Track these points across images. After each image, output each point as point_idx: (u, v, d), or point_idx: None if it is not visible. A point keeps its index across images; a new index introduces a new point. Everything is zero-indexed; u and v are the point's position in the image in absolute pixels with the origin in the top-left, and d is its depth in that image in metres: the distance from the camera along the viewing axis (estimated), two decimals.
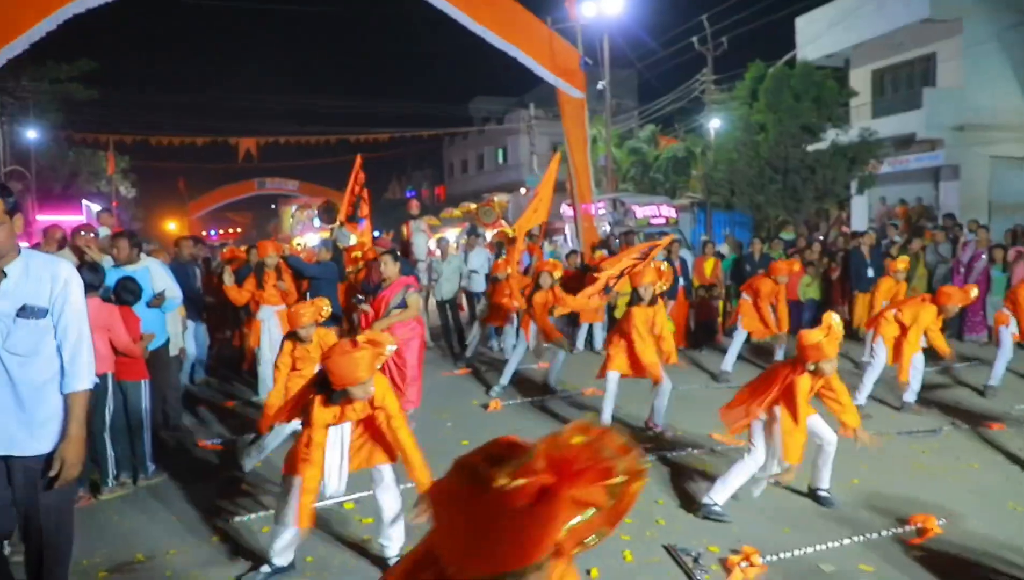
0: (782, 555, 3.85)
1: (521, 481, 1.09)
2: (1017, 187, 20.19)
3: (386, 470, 3.87)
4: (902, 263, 8.64)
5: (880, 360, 6.77)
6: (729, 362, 8.62)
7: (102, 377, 5.08)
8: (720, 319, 11.45)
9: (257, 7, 49.90)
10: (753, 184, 18.26)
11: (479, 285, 11.21)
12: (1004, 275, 9.96)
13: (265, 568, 3.82)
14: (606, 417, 6.13)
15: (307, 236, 31.02)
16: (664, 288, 6.31)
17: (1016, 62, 19.61)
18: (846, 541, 4.01)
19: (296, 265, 7.53)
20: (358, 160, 12.79)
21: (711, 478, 5.03)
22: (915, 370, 6.85)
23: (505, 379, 7.90)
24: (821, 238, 13.20)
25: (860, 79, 21.98)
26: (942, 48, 20.05)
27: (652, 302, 5.94)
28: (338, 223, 12.15)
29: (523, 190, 32.35)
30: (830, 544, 3.97)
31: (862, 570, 3.70)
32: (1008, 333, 7.50)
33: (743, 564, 3.68)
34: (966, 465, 5.35)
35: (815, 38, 21.64)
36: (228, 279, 7.60)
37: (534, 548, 1.11)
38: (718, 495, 4.43)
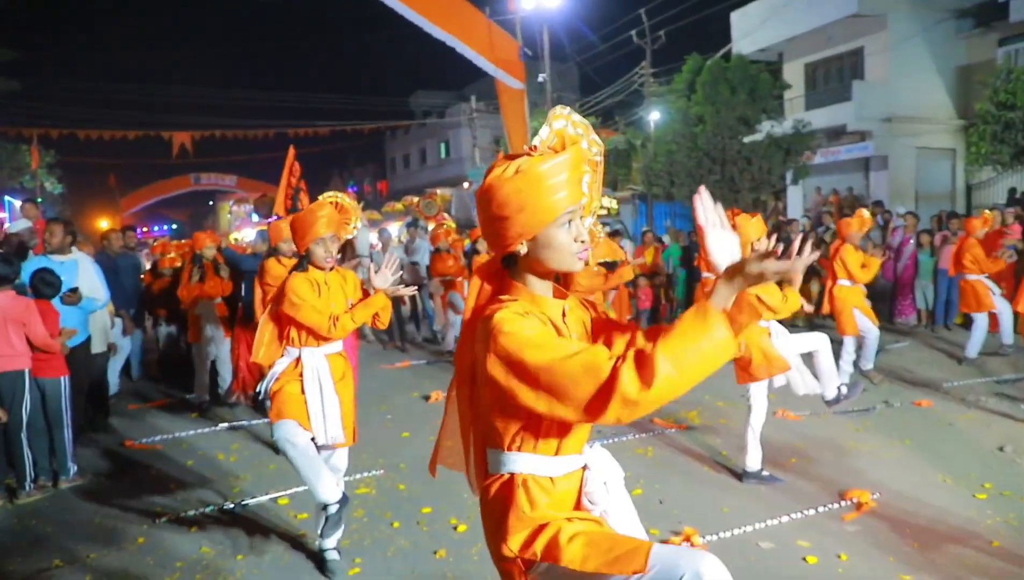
0: (721, 534, 3.86)
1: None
2: (942, 177, 21.03)
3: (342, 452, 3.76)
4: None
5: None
6: None
7: (18, 373, 4.82)
8: (665, 304, 11.59)
9: None
10: (692, 175, 18.51)
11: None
12: (931, 259, 10.29)
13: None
14: None
15: (244, 231, 30.29)
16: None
17: (939, 57, 20.33)
18: (784, 518, 4.04)
19: (232, 257, 7.29)
20: (291, 152, 12.45)
21: (653, 462, 5.04)
22: (870, 336, 7.10)
23: None
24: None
25: (793, 72, 22.53)
26: (869, 42, 20.67)
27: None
28: (275, 217, 11.81)
29: (466, 184, 32.19)
30: (769, 522, 3.99)
31: (800, 546, 3.74)
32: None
33: (684, 545, 3.67)
34: (899, 442, 5.49)
35: (750, 32, 22.08)
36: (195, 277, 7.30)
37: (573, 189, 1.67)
38: (753, 461, 4.49)
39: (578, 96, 32.00)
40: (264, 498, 4.65)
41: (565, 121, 1.75)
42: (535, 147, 1.70)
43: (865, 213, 7.35)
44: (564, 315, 1.75)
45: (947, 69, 20.56)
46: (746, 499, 4.41)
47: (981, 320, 8.13)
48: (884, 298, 10.86)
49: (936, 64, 20.44)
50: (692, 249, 11.76)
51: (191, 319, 7.27)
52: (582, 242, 1.67)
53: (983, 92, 12.51)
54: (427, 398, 7.19)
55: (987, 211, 8.74)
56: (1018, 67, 11.92)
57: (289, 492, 4.69)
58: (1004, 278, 9.71)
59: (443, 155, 44.16)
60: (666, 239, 13.20)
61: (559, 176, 1.61)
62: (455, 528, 4.10)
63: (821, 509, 4.17)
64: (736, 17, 23.16)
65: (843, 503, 4.25)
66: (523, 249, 1.66)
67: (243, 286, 7.23)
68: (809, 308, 6.45)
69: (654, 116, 22.96)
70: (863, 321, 7.15)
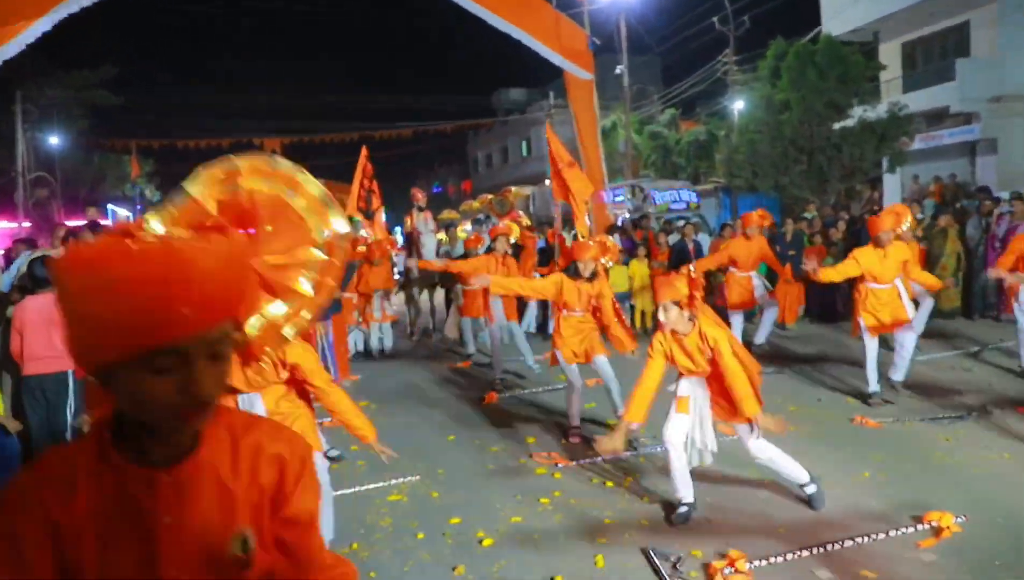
0: (773, 560, 3.43)
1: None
2: None
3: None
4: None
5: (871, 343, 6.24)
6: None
7: (62, 375, 4.86)
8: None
9: (277, 7, 50.10)
10: (776, 165, 17.60)
11: None
12: None
13: None
14: (571, 411, 5.67)
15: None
16: (610, 263, 5.96)
17: None
18: (848, 543, 3.57)
19: None
20: (364, 152, 12.54)
21: (704, 476, 4.62)
22: (904, 350, 6.26)
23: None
24: (846, 217, 12.53)
25: (890, 53, 21.16)
26: (975, 17, 19.16)
27: (592, 277, 5.48)
28: (348, 216, 11.90)
29: (547, 181, 31.90)
30: (829, 547, 3.53)
31: (864, 576, 3.27)
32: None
33: (727, 570, 3.28)
34: (996, 455, 4.85)
35: (840, 12, 20.85)
36: None
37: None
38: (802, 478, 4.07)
39: (661, 88, 31.21)
40: None
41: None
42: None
43: (900, 208, 6.59)
44: None
45: None
46: (804, 518, 3.95)
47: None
48: (987, 293, 9.92)
49: None
50: (774, 241, 11.05)
51: None
52: None
53: None
54: (481, 399, 6.96)
55: None
56: None
57: None
58: None
59: (525, 153, 44.03)
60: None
61: None
62: (480, 542, 3.84)
63: (893, 533, 3.67)
64: None
65: (920, 527, 3.72)
66: None
67: None
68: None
69: (738, 105, 22.06)
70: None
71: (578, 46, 12.72)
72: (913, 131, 18.06)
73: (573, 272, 5.47)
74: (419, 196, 11.04)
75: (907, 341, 6.19)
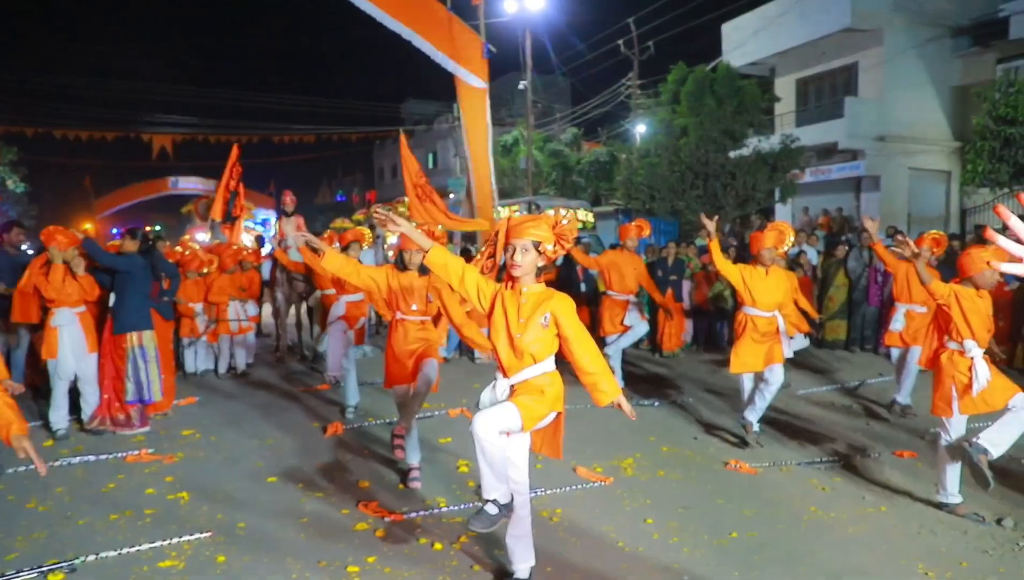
0: None
1: None
2: (935, 200, 20.12)
3: None
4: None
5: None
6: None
7: None
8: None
9: None
10: (674, 189, 17.53)
11: None
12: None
13: None
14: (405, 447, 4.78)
15: (198, 235, 29.15)
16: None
17: (935, 76, 19.48)
18: None
19: (92, 251, 6.12)
20: (234, 152, 11.49)
21: (556, 529, 3.97)
22: (768, 388, 5.67)
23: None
24: (734, 244, 12.41)
25: (785, 88, 21.69)
26: (863, 58, 19.82)
27: (423, 271, 4.55)
28: (209, 221, 10.89)
29: (452, 195, 31.28)
30: None
31: None
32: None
33: None
34: (873, 508, 4.43)
35: (740, 44, 21.23)
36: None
37: None
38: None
39: (566, 107, 31.14)
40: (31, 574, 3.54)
41: None
42: None
43: (783, 225, 6.21)
44: None
45: (943, 88, 19.69)
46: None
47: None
48: (869, 325, 9.85)
49: (932, 82, 19.58)
50: (655, 266, 10.72)
51: (47, 332, 6.15)
52: None
53: (981, 107, 11.55)
54: (324, 430, 6.09)
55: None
56: (1019, 79, 10.95)
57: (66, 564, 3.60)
58: (1003, 309, 8.73)
59: (431, 165, 43.32)
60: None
61: None
62: None
63: None
64: (727, 29, 22.33)
65: None
66: None
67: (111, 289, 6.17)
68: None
69: (639, 128, 22.07)
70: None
71: (472, 52, 12.10)
72: (804, 164, 18.41)
73: (400, 263, 4.66)
74: (287, 200, 10.10)
75: (774, 379, 5.56)
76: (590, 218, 17.61)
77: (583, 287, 10.18)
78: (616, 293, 7.66)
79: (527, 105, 21.35)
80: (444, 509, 4.28)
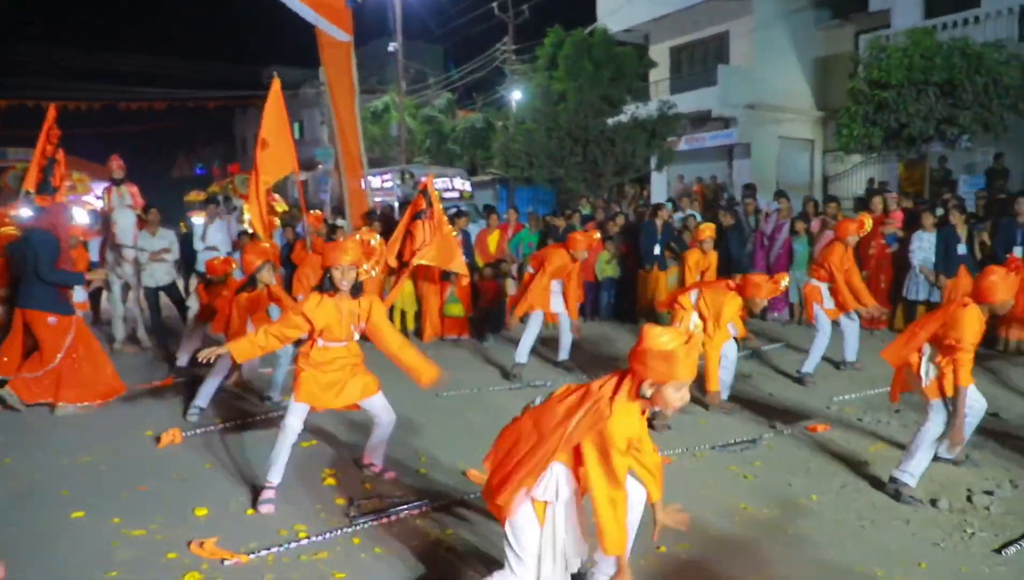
0: None
1: None
2: (801, 168, 20.76)
3: None
4: (708, 231, 7.49)
5: None
6: (523, 353, 6.98)
7: None
8: (505, 297, 9.86)
9: None
10: (553, 156, 17.01)
11: None
12: (808, 248, 9.15)
13: None
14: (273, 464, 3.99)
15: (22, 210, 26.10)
16: (374, 270, 4.49)
17: (800, 47, 19.94)
18: None
19: None
20: (51, 113, 9.75)
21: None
22: (726, 360, 5.56)
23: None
24: (621, 213, 12.02)
25: (659, 55, 21.64)
26: (734, 26, 20.00)
27: (357, 292, 3.86)
28: (23, 193, 9.31)
29: (320, 166, 29.50)
30: None
31: None
32: (822, 311, 6.47)
33: None
34: (804, 498, 3.94)
35: (615, 10, 20.89)
36: None
37: None
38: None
39: (439, 73, 29.99)
40: None
41: None
42: None
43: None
44: None
45: (807, 59, 20.22)
46: None
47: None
48: None
49: (797, 53, 20.06)
50: (549, 235, 10.14)
51: None
52: None
53: (855, 72, 11.64)
54: (158, 439, 4.99)
55: (864, 213, 7.53)
56: (890, 45, 11.05)
57: None
58: (883, 270, 8.73)
59: (297, 135, 40.96)
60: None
61: None
62: None
63: None
64: None
65: None
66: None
67: None
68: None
69: (515, 95, 21.42)
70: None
71: (334, 2, 10.90)
72: (680, 132, 18.40)
73: (328, 285, 3.84)
74: (115, 166, 8.67)
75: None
76: (467, 188, 16.80)
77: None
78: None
79: (399, 69, 20.16)
80: (304, 542, 3.40)
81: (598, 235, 8.49)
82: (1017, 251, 7.07)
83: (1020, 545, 3.31)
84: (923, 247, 8.15)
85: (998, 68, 10.39)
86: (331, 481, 4.16)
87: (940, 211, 8.48)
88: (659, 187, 21.22)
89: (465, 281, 8.48)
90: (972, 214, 8.62)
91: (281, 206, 14.52)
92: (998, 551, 3.29)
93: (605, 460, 2.42)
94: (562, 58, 17.33)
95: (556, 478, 2.54)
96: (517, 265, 10.24)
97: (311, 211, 11.27)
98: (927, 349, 3.95)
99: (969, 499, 3.88)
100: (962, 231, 7.92)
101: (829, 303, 6.51)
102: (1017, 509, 3.74)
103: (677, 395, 2.44)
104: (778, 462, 4.48)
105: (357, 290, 3.85)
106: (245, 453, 4.69)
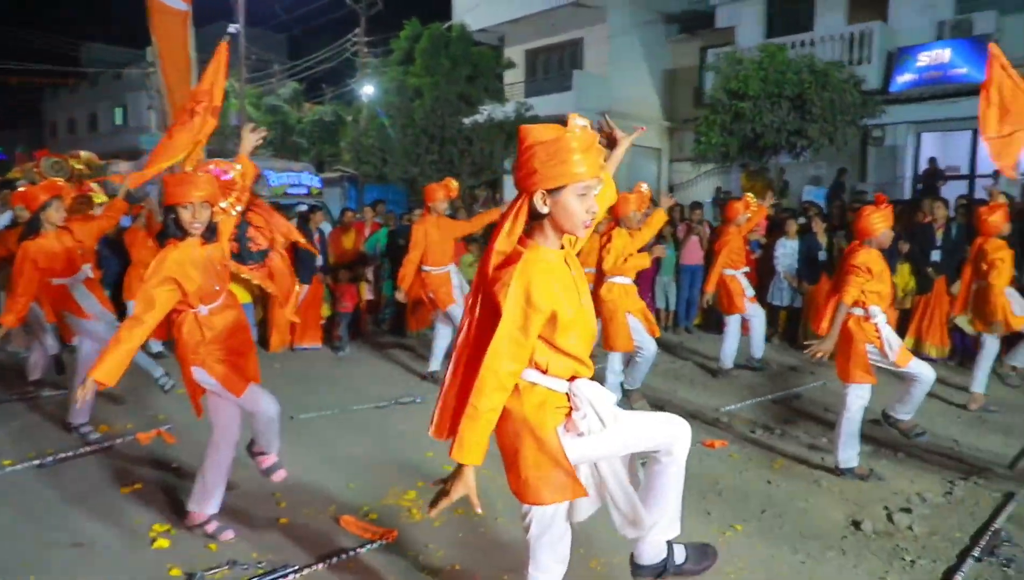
0: None
1: None
2: (649, 176, 21.32)
3: None
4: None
5: None
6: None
7: None
8: (368, 301, 9.05)
9: None
10: (408, 154, 16.25)
11: None
12: (674, 253, 9.06)
13: None
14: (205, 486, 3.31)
15: None
16: (237, 208, 3.67)
17: (650, 58, 20.47)
18: None
19: None
20: None
21: None
22: (648, 353, 5.49)
23: None
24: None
25: (514, 58, 21.46)
26: (589, 33, 20.21)
27: (212, 233, 3.16)
28: None
29: (146, 156, 26.79)
30: None
31: None
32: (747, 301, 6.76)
33: None
34: (731, 532, 3.53)
35: (471, 9, 20.48)
36: None
37: None
38: None
39: (284, 62, 28.19)
40: None
41: None
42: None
43: (644, 187, 5.54)
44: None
45: (657, 70, 20.81)
46: None
47: (733, 324, 6.87)
48: None
49: (648, 64, 20.59)
50: (401, 233, 9.44)
51: None
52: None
53: (700, 84, 11.89)
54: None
55: (749, 194, 7.49)
56: (746, 57, 11.36)
57: None
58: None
59: (120, 121, 37.24)
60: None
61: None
62: None
63: None
64: None
65: None
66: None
67: None
68: None
69: (367, 89, 20.40)
70: (640, 333, 5.36)
71: None
72: None
73: (174, 229, 3.01)
74: None
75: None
76: (316, 184, 15.63)
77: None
78: (433, 267, 6.23)
79: (240, 52, 18.55)
80: None
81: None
82: (935, 254, 7.18)
83: (962, 572, 3.05)
84: (787, 254, 8.28)
85: (841, 85, 10.92)
86: (162, 543, 3.24)
87: (802, 219, 8.66)
88: (511, 190, 21.04)
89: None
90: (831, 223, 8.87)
91: (99, 197, 12.73)
92: None
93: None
94: (419, 52, 16.63)
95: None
96: (374, 267, 9.47)
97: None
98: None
99: (890, 518, 3.64)
100: (823, 239, 8.10)
101: (750, 291, 6.76)
102: (939, 528, 3.54)
103: (581, 204, 1.93)
104: (688, 484, 4.07)
105: (212, 233, 3.11)
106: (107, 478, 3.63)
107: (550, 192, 1.91)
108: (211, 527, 3.25)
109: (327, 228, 9.96)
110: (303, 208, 10.37)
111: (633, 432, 2.13)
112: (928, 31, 13.64)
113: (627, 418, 2.11)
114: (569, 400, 2.01)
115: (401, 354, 7.71)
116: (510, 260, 1.93)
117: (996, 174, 9.58)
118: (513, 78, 20.92)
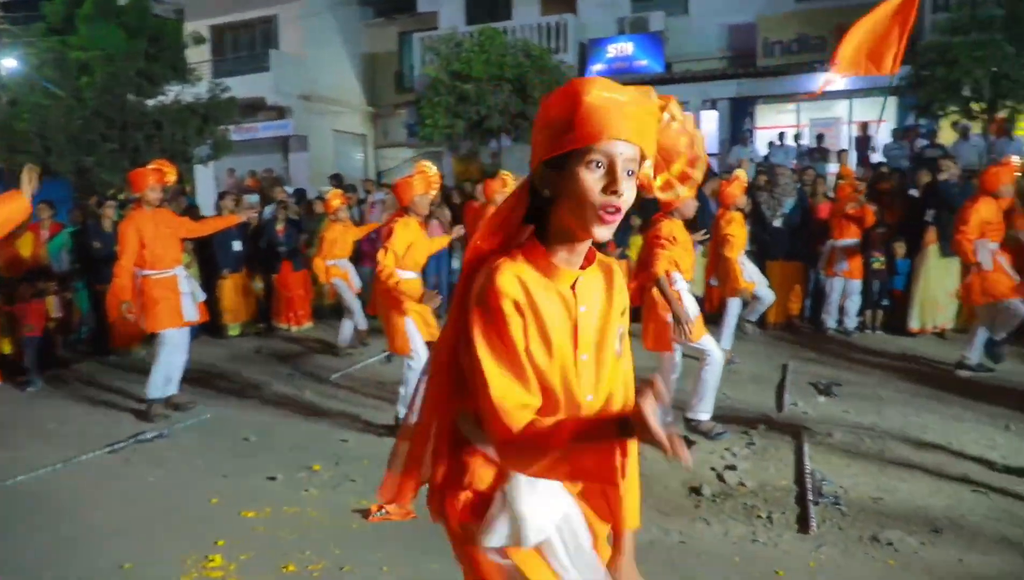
0: None
1: None
2: (356, 162, 20.78)
3: None
4: (337, 199, 7.43)
5: None
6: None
7: None
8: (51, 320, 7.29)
9: None
10: (78, 141, 13.73)
11: None
12: None
13: None
14: None
15: None
16: None
17: (348, 40, 19.83)
18: None
19: None
20: None
21: None
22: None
23: None
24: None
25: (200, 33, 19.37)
26: (284, 11, 18.94)
27: None
28: None
29: None
30: None
31: None
32: None
33: None
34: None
35: None
36: None
37: None
38: None
39: None
40: None
41: None
42: None
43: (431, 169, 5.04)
44: None
45: (356, 54, 20.26)
46: None
47: None
48: None
49: (346, 48, 19.95)
50: (88, 233, 7.99)
51: None
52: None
53: (435, 62, 11.72)
54: None
55: (739, 171, 7.00)
56: (468, 38, 11.38)
57: None
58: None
59: None
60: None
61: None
62: None
63: None
64: None
65: None
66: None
67: None
68: None
69: (7, 62, 16.81)
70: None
71: None
72: (234, 120, 16.64)
73: None
74: None
75: None
76: None
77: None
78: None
79: None
80: None
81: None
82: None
83: (813, 519, 3.22)
84: None
85: (557, 70, 11.49)
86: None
87: None
88: (206, 181, 19.03)
89: None
90: None
91: None
92: (803, 531, 3.16)
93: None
94: (81, 19, 14.08)
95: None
96: (61, 277, 7.80)
97: None
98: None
99: (720, 478, 3.77)
100: None
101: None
102: (764, 479, 3.74)
103: (595, 180, 1.27)
104: None
105: None
106: None
107: (552, 165, 1.30)
108: None
109: None
110: None
111: None
112: (611, 26, 14.97)
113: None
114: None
115: (114, 378, 6.38)
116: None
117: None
118: (200, 56, 18.82)
